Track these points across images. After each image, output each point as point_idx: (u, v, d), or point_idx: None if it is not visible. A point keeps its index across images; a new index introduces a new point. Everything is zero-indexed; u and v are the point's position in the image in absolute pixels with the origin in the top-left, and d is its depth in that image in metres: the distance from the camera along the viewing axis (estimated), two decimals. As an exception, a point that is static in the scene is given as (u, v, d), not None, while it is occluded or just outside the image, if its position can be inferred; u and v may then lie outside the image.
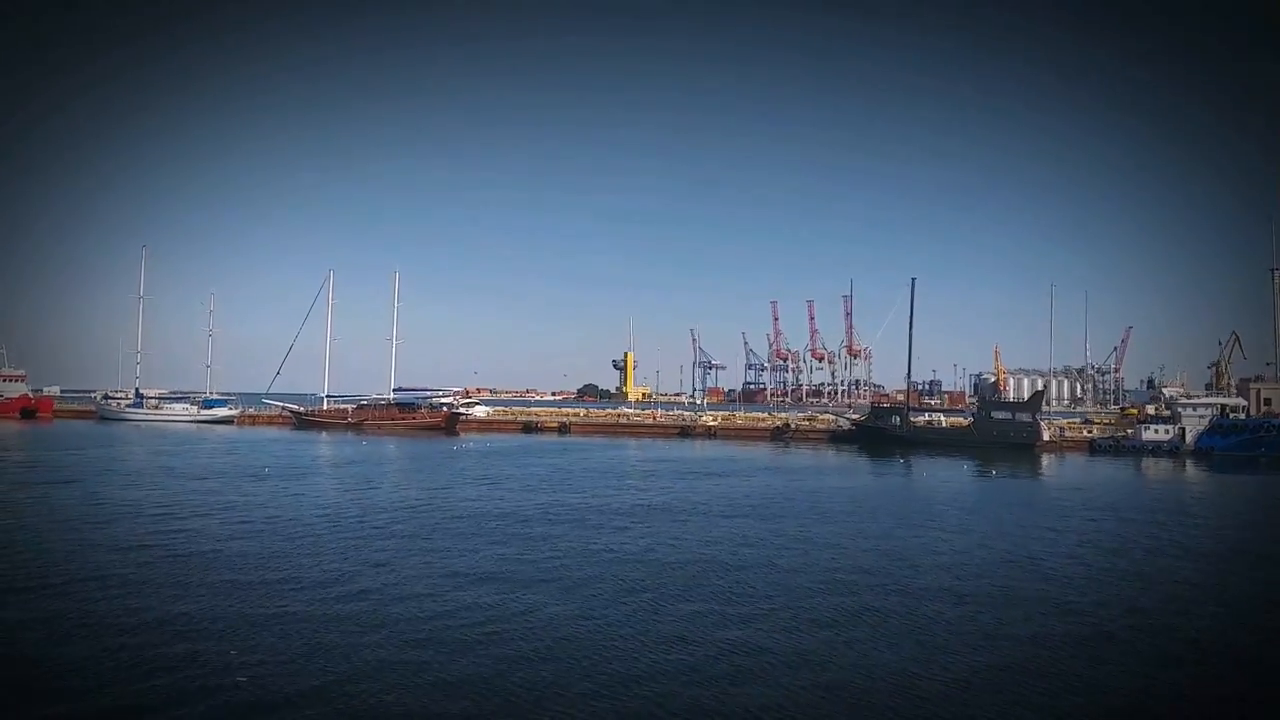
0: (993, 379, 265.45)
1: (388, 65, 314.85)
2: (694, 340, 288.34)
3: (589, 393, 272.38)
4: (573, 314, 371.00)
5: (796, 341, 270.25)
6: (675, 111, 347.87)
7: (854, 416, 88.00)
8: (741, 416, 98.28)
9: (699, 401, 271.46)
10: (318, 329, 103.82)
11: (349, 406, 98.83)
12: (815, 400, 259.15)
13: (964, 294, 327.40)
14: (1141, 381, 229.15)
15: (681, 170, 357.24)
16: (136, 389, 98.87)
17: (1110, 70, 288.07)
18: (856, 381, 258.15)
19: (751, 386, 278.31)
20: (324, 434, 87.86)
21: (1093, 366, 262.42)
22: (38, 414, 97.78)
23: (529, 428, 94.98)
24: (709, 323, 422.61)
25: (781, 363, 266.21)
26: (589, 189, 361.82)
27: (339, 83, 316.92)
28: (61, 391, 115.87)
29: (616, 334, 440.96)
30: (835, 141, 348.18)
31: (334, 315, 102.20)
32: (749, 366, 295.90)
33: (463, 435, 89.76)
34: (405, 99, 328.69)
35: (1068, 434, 79.25)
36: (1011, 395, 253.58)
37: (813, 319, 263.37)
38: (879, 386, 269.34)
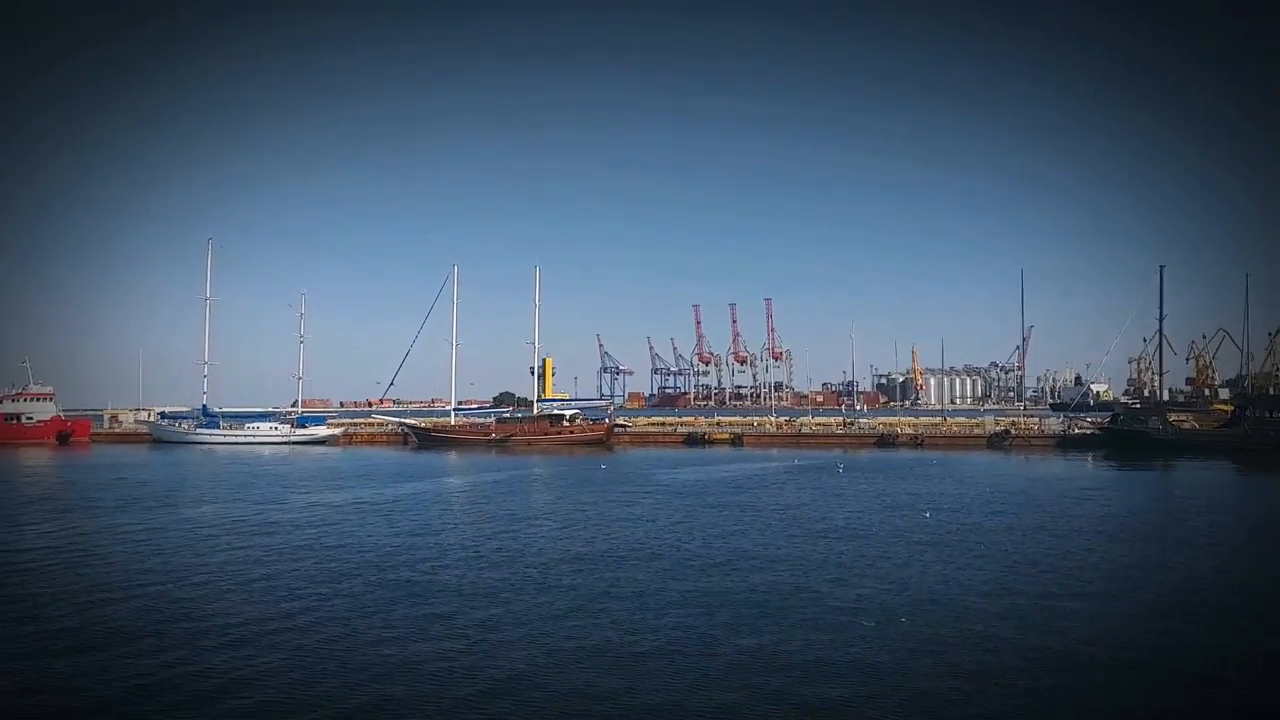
0: (901, 379, 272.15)
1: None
2: (600, 345, 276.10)
3: (507, 400, 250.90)
4: (474, 317, 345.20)
5: (714, 345, 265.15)
6: (589, 111, 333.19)
7: (1090, 419, 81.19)
8: (919, 423, 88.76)
9: (619, 405, 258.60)
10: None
11: (489, 421, 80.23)
12: (738, 403, 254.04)
13: (871, 297, 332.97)
14: (1039, 379, 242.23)
15: (583, 170, 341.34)
16: (204, 405, 74.39)
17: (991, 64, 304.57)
18: (778, 384, 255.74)
19: (669, 391, 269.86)
20: (453, 453, 69.88)
21: (996, 365, 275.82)
22: (73, 438, 71.35)
23: (693, 440, 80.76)
24: (609, 329, 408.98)
25: (704, 366, 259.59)
26: (484, 192, 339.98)
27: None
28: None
29: (519, 338, 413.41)
30: (741, 147, 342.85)
31: (459, 316, 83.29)
32: (655, 371, 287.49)
33: (618, 450, 74.60)
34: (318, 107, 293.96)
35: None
36: (933, 394, 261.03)
37: (735, 322, 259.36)
38: (791, 387, 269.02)
